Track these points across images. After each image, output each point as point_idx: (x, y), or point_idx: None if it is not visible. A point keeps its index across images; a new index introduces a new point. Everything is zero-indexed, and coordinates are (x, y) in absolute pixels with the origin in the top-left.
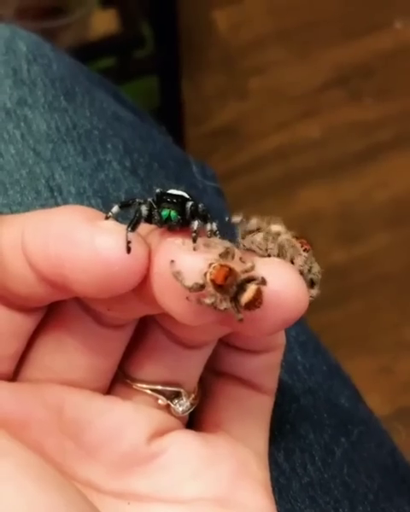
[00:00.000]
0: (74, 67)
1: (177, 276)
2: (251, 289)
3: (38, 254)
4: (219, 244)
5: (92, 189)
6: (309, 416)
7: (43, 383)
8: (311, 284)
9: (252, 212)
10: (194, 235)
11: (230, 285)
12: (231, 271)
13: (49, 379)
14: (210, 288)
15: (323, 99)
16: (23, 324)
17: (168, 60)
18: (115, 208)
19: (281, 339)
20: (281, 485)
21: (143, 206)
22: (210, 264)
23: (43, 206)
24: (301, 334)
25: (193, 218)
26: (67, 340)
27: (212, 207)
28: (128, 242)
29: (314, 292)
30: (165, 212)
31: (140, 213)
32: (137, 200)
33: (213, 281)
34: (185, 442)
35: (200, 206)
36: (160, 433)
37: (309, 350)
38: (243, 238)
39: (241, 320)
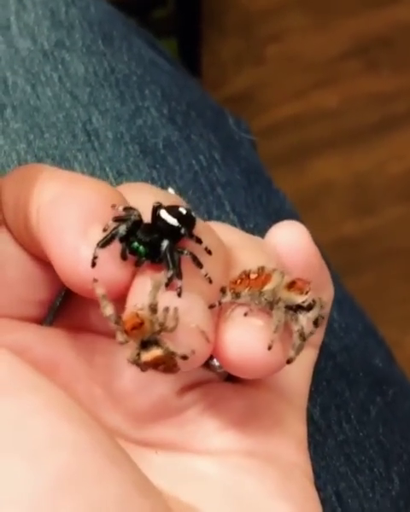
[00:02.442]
0: (112, 13)
1: (102, 300)
2: (151, 353)
3: (40, 234)
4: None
5: (130, 135)
6: (345, 373)
7: (74, 329)
8: (297, 350)
9: None
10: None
11: (135, 336)
12: (141, 325)
13: (82, 328)
14: (120, 329)
15: (340, 69)
16: (55, 273)
17: (188, 21)
18: (97, 250)
19: (330, 292)
20: (316, 441)
21: (122, 226)
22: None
23: (79, 151)
24: (337, 291)
25: (163, 259)
26: None
27: (248, 161)
28: (94, 258)
29: (293, 356)
30: (134, 245)
31: (116, 232)
32: (128, 215)
33: (123, 323)
34: (219, 394)
35: (173, 252)
36: (192, 385)
37: (345, 309)
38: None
39: (142, 370)
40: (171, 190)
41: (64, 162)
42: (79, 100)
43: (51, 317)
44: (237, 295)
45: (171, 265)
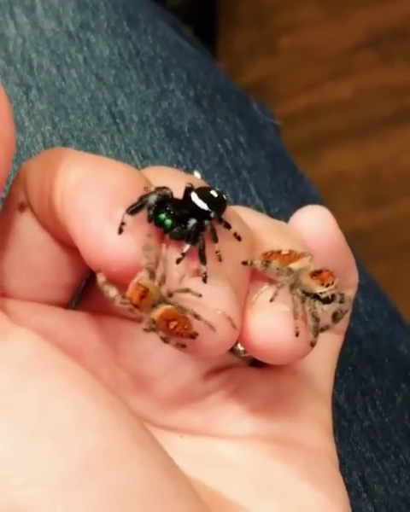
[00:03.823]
0: None
1: (103, 286)
2: (160, 308)
3: (65, 217)
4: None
5: (155, 118)
6: (371, 359)
7: (99, 313)
8: (314, 332)
9: None
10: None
11: (145, 306)
12: (146, 292)
13: (106, 311)
14: (129, 306)
15: (354, 60)
16: (81, 258)
17: (203, 10)
18: (126, 217)
19: (354, 277)
20: (342, 427)
21: (153, 196)
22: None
23: (104, 133)
24: (362, 277)
25: (188, 237)
26: None
27: (273, 146)
28: (122, 224)
29: (314, 339)
30: (161, 216)
31: (146, 201)
32: (161, 191)
33: (130, 299)
34: (244, 379)
35: (204, 231)
36: (217, 370)
37: (370, 294)
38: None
39: (163, 339)
40: (197, 174)
41: (89, 144)
42: (105, 82)
43: (77, 301)
44: (267, 264)
45: (191, 240)
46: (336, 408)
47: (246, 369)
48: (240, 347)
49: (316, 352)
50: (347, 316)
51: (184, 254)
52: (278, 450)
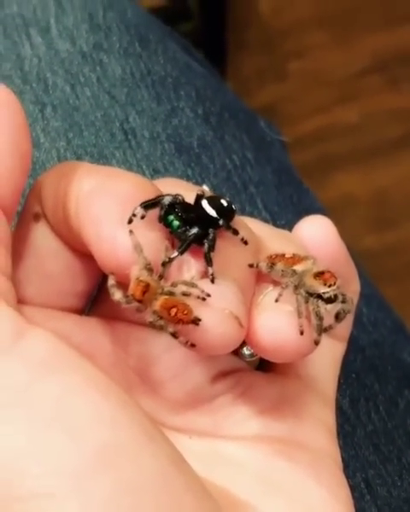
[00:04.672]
0: (147, 16)
1: (110, 289)
2: (159, 299)
3: (79, 223)
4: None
5: (166, 134)
6: (374, 367)
7: (111, 318)
8: (318, 330)
9: None
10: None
11: (148, 300)
12: (147, 287)
13: (118, 317)
14: (134, 304)
15: (362, 85)
16: (93, 265)
17: (213, 35)
18: (139, 209)
19: (356, 285)
20: (346, 431)
21: (167, 197)
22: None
23: (117, 149)
24: (366, 287)
25: (181, 244)
26: None
27: (279, 162)
28: (133, 215)
29: (318, 337)
30: (170, 217)
31: (161, 199)
32: (170, 196)
33: (133, 295)
34: (250, 382)
35: (209, 236)
36: (225, 374)
37: (374, 304)
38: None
39: (173, 335)
40: (206, 187)
41: (102, 159)
42: (117, 100)
43: (89, 308)
44: (271, 266)
45: (181, 247)
46: (341, 413)
47: (252, 373)
48: (246, 351)
49: (320, 357)
50: (349, 323)
51: (170, 259)
52: (283, 450)
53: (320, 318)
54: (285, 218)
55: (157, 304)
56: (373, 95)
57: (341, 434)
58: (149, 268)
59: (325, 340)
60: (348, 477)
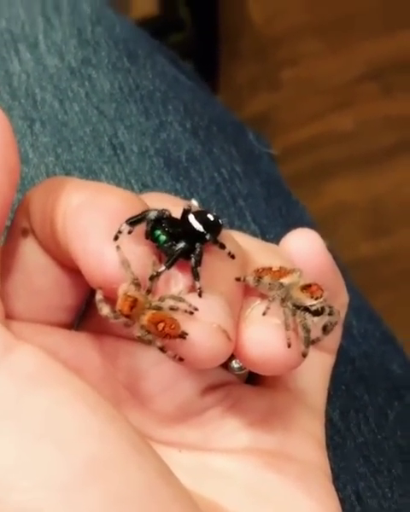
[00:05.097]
0: (136, 31)
1: (98, 304)
2: (147, 313)
3: (66, 238)
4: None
5: (154, 148)
6: (364, 378)
7: (99, 333)
8: (305, 343)
9: None
10: (153, 273)
11: (136, 315)
12: (135, 302)
13: (106, 331)
14: (122, 319)
15: (356, 92)
16: (81, 280)
17: (205, 45)
18: (124, 226)
19: (344, 298)
20: (336, 443)
21: (153, 212)
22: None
23: (105, 163)
24: (355, 299)
25: (168, 259)
26: None
27: (268, 174)
28: (118, 232)
29: (305, 350)
30: (157, 232)
31: (146, 215)
32: (156, 211)
33: (120, 311)
34: (240, 395)
35: (196, 251)
36: (214, 387)
37: (363, 316)
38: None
39: (161, 349)
40: (194, 202)
41: (91, 174)
42: (105, 115)
43: (78, 322)
44: (258, 279)
45: (168, 262)
46: (331, 425)
47: (241, 386)
48: (235, 364)
49: (309, 369)
50: (338, 335)
51: (158, 273)
52: (273, 463)
53: (307, 331)
54: (274, 231)
55: (145, 319)
56: (368, 102)
57: (331, 446)
58: (136, 283)
59: (314, 352)
60: (338, 489)
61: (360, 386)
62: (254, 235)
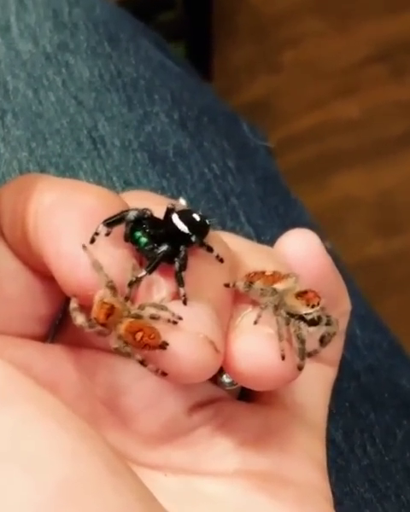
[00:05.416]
0: (117, 12)
1: (72, 312)
2: (124, 322)
3: (38, 240)
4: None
5: (138, 142)
6: (370, 395)
7: (76, 346)
8: (300, 354)
9: None
10: (132, 278)
11: (113, 323)
12: (112, 309)
13: (84, 344)
14: (98, 327)
15: (363, 76)
16: (56, 288)
17: (198, 25)
18: (102, 227)
19: (346, 305)
20: (339, 466)
21: (132, 212)
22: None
23: (84, 159)
24: (360, 307)
25: (149, 264)
26: None
27: (264, 170)
28: (95, 233)
29: (301, 362)
30: (137, 234)
31: (125, 215)
32: (142, 210)
33: (95, 319)
34: (231, 413)
35: (181, 254)
36: (203, 404)
37: (369, 325)
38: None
39: (141, 362)
40: (182, 201)
41: (69, 171)
42: (84, 105)
43: (53, 334)
44: (250, 284)
45: (149, 267)
46: (333, 446)
47: (233, 403)
48: (226, 379)
49: (307, 384)
50: (340, 346)
51: (138, 279)
52: (267, 486)
53: (302, 341)
54: (270, 233)
55: (122, 328)
56: (376, 87)
57: (333, 469)
58: (111, 286)
59: (313, 364)
60: None
61: (365, 404)
62: (248, 236)
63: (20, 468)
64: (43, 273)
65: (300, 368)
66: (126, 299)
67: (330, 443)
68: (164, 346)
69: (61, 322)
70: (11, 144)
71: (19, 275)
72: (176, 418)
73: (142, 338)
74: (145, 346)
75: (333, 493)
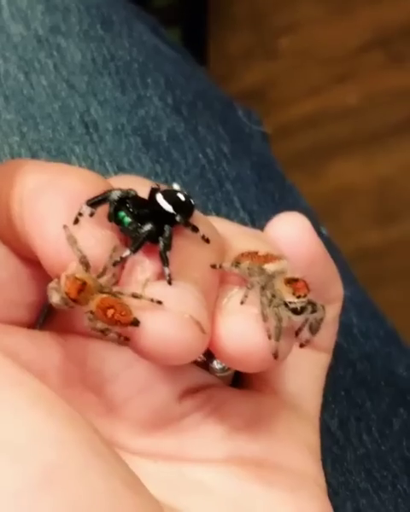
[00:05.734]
0: None
1: (49, 291)
2: (96, 298)
3: (23, 224)
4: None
5: (131, 127)
6: (366, 382)
7: (65, 333)
8: (276, 334)
9: None
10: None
11: (84, 299)
12: (84, 286)
13: (72, 331)
14: (70, 303)
15: (361, 62)
16: (43, 274)
17: (193, 9)
18: (85, 208)
19: (338, 290)
20: (334, 455)
21: (116, 192)
22: (67, 278)
23: (77, 143)
24: (357, 294)
25: (133, 243)
26: None
27: (259, 155)
28: (79, 214)
29: (278, 344)
30: (121, 214)
31: (108, 196)
32: (120, 191)
33: (67, 294)
34: (222, 399)
35: (165, 233)
36: (194, 390)
37: (366, 312)
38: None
39: (120, 340)
40: (176, 186)
41: (61, 156)
42: (76, 89)
43: (41, 321)
44: (237, 264)
45: (133, 246)
46: (329, 434)
47: (224, 389)
48: (217, 365)
49: (300, 370)
50: (333, 331)
51: (122, 259)
52: (259, 473)
53: (280, 320)
54: (265, 219)
55: (93, 304)
56: (374, 73)
57: (329, 458)
58: (85, 262)
59: (306, 350)
60: (337, 506)
61: (361, 392)
62: (243, 222)
63: (4, 453)
64: (30, 259)
65: (275, 352)
66: (99, 276)
67: (326, 431)
68: (136, 323)
69: (49, 309)
70: (2, 129)
71: (6, 261)
72: (167, 405)
73: (113, 315)
74: (116, 323)
75: (329, 483)
